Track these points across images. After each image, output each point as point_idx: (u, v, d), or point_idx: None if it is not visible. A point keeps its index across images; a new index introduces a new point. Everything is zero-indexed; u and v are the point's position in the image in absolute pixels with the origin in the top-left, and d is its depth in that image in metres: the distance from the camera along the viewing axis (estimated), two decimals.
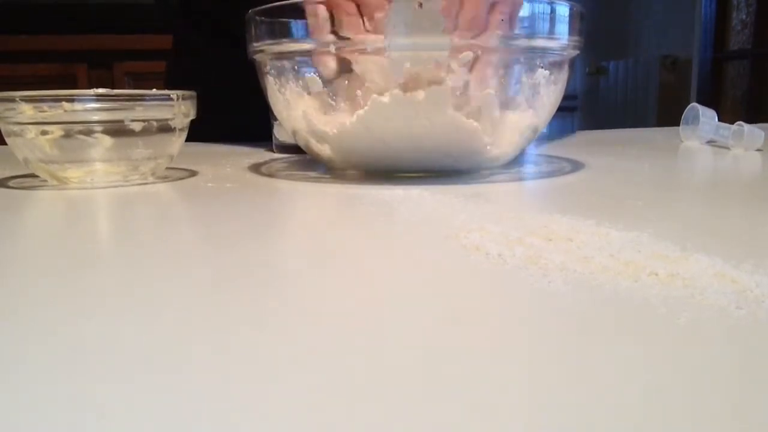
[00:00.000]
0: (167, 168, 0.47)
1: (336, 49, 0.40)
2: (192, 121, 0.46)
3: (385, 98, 0.39)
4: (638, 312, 0.17)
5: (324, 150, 0.44)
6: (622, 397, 0.13)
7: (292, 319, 0.18)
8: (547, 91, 0.44)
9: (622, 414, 0.12)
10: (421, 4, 0.38)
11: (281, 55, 0.43)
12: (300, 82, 0.42)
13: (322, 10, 0.40)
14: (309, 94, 0.43)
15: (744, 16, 2.56)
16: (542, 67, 0.42)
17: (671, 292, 0.19)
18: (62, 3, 2.06)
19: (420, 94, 0.38)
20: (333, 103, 0.41)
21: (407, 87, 0.39)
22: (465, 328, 0.17)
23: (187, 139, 0.46)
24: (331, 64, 0.41)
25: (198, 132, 0.53)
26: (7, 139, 0.42)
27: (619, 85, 3.17)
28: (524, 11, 0.41)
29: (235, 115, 0.74)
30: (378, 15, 0.38)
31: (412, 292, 0.20)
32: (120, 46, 1.97)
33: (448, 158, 0.42)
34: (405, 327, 0.17)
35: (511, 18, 0.40)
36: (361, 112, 0.40)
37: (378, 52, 0.39)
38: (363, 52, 0.39)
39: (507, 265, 0.22)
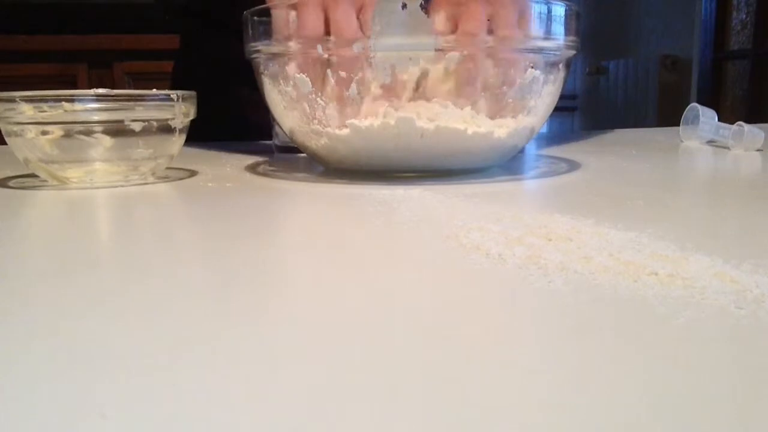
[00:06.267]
0: (167, 168, 0.47)
1: (323, 50, 0.40)
2: (193, 120, 0.46)
3: (361, 123, 0.40)
4: (638, 312, 0.17)
5: (320, 152, 0.44)
6: (621, 397, 0.13)
7: (293, 318, 0.18)
8: (544, 91, 0.44)
9: (622, 414, 0.12)
10: (405, 5, 0.38)
11: (275, 56, 0.43)
12: (291, 82, 0.42)
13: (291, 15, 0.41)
14: (299, 94, 0.43)
15: (744, 16, 2.56)
16: (538, 68, 0.42)
17: (671, 292, 0.19)
18: (62, 3, 2.07)
19: (391, 122, 0.39)
20: (322, 103, 0.41)
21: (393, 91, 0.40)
22: (465, 328, 0.17)
23: (188, 139, 0.46)
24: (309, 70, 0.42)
25: (200, 131, 0.53)
26: (7, 139, 0.42)
27: (619, 85, 3.17)
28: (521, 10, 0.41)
29: (237, 114, 0.74)
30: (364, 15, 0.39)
31: (412, 292, 0.20)
32: (120, 46, 1.97)
33: (438, 161, 0.42)
34: (405, 326, 0.17)
35: (519, 21, 0.40)
36: (342, 134, 0.41)
37: (363, 52, 0.39)
38: (348, 52, 0.39)
39: (507, 264, 0.22)
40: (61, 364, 0.15)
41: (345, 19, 0.39)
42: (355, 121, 0.40)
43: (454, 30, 0.39)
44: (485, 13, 0.39)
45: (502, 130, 0.42)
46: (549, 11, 0.41)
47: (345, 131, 0.41)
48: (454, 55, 0.39)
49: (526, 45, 0.41)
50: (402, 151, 0.41)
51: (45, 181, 0.43)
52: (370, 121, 0.40)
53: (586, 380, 0.14)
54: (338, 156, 0.44)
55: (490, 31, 0.40)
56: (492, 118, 0.42)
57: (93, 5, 2.09)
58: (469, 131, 0.40)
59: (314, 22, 0.40)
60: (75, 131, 0.40)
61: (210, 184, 0.43)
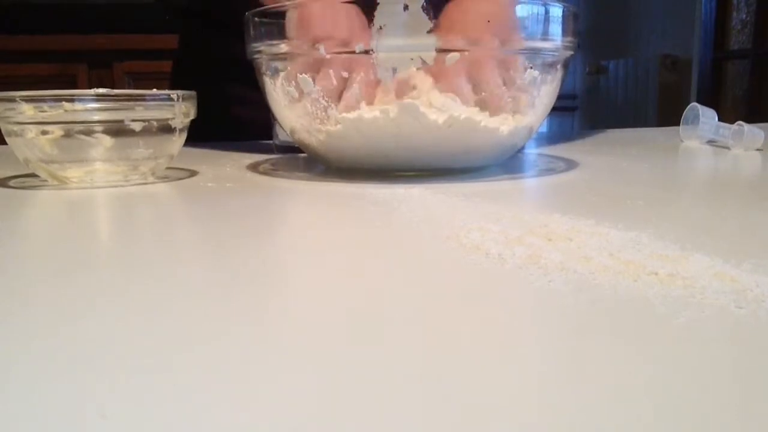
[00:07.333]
0: (167, 168, 0.47)
1: (325, 51, 0.40)
2: (194, 120, 0.46)
3: (352, 115, 0.40)
4: (638, 312, 0.17)
5: (321, 150, 0.44)
6: (622, 397, 0.13)
7: (292, 318, 0.18)
8: (542, 91, 0.44)
9: (622, 414, 0.12)
10: (407, 6, 0.38)
11: (277, 56, 0.43)
12: (293, 82, 0.42)
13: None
14: (301, 94, 0.43)
15: (744, 16, 2.56)
16: (535, 68, 0.42)
17: (671, 292, 0.19)
18: (62, 3, 2.07)
19: (393, 110, 0.39)
20: (325, 103, 0.41)
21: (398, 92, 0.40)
22: (465, 328, 0.17)
23: (188, 139, 0.46)
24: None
25: (200, 131, 0.53)
26: (7, 139, 0.42)
27: (619, 85, 3.17)
28: (519, 13, 0.41)
29: (238, 114, 0.74)
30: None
31: (412, 292, 0.20)
32: (120, 46, 1.97)
33: (438, 159, 0.42)
34: (404, 327, 0.17)
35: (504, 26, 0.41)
36: (339, 127, 0.41)
37: (365, 53, 0.39)
38: (351, 53, 0.40)
39: (507, 264, 0.22)
40: (61, 364, 0.15)
41: (344, 25, 0.39)
42: (356, 114, 0.40)
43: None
44: (485, 17, 0.40)
45: (505, 127, 0.42)
46: (546, 12, 0.41)
47: (343, 125, 0.41)
48: (455, 55, 0.39)
49: (524, 46, 0.42)
50: (403, 149, 0.41)
51: (45, 181, 0.43)
52: (371, 114, 0.40)
53: (586, 380, 0.14)
54: (338, 154, 0.44)
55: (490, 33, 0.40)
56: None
57: (93, 5, 2.09)
58: (483, 123, 0.40)
59: (319, 26, 0.40)
60: (75, 131, 0.40)
61: (210, 184, 0.43)
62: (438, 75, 0.41)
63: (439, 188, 0.38)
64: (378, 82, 0.41)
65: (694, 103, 0.65)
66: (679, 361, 0.14)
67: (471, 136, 0.41)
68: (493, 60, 0.42)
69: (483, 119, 0.41)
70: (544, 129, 0.82)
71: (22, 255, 0.26)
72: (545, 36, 0.42)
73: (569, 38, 0.43)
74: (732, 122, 0.60)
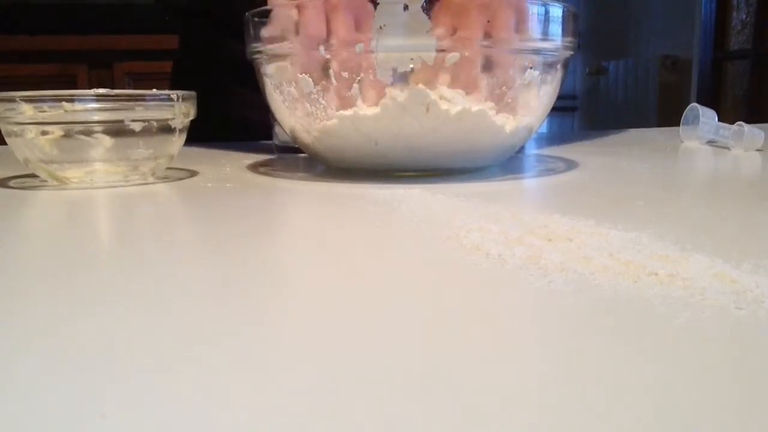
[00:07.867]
0: (167, 168, 0.47)
1: (325, 51, 0.40)
2: (193, 121, 0.46)
3: (349, 112, 0.40)
4: (638, 312, 0.17)
5: (319, 149, 0.44)
6: (621, 397, 0.13)
7: (292, 319, 0.18)
8: (541, 91, 0.44)
9: (622, 414, 0.12)
10: (406, 6, 0.38)
11: (276, 57, 0.44)
12: (293, 83, 0.42)
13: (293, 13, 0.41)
14: (302, 95, 0.43)
15: (744, 16, 2.56)
16: (535, 68, 0.42)
17: (671, 292, 0.19)
18: (62, 3, 2.07)
19: (402, 95, 0.39)
20: (324, 103, 0.41)
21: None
22: (465, 329, 0.17)
23: (188, 139, 0.46)
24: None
25: (200, 131, 0.54)
26: (7, 139, 0.42)
27: (619, 85, 3.17)
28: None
29: (238, 114, 0.74)
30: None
31: (412, 292, 0.20)
32: (120, 46, 1.97)
33: (438, 159, 0.42)
34: (405, 327, 0.17)
35: (516, 23, 0.41)
36: (334, 121, 0.41)
37: (365, 53, 0.39)
38: (351, 53, 0.40)
39: (507, 265, 0.22)
40: (61, 364, 0.15)
41: (343, 26, 0.39)
42: (352, 110, 0.40)
43: (454, 33, 0.40)
44: (484, 17, 0.40)
45: (507, 126, 0.42)
46: (546, 12, 0.41)
47: (339, 120, 0.41)
48: (455, 55, 0.39)
49: (523, 47, 0.42)
50: (402, 149, 0.41)
51: (45, 181, 0.43)
52: (371, 109, 0.40)
53: (586, 380, 0.14)
54: (336, 152, 0.44)
55: (489, 34, 0.40)
56: None
57: (93, 5, 2.09)
58: (493, 118, 0.40)
59: (316, 25, 0.40)
60: (75, 131, 0.40)
61: (210, 185, 0.43)
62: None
63: (439, 188, 0.38)
64: (377, 83, 0.41)
65: (694, 104, 0.65)
66: (679, 361, 0.14)
67: (472, 135, 0.41)
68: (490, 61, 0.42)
69: (492, 114, 0.41)
70: (544, 129, 0.82)
71: (22, 255, 0.26)
72: (545, 36, 0.42)
73: (569, 38, 0.43)
74: (732, 122, 0.60)
